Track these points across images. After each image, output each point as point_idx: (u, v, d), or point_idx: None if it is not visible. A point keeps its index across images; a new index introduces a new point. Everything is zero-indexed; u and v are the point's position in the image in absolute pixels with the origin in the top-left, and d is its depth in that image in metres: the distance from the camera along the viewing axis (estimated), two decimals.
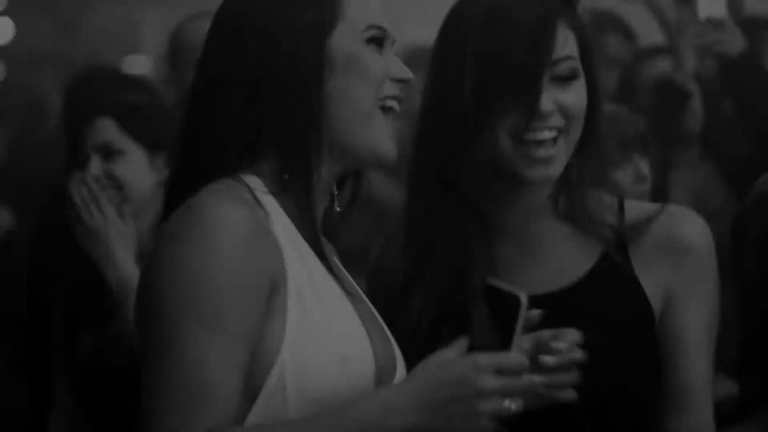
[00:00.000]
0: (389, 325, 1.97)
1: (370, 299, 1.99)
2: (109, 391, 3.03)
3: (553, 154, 2.05)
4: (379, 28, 1.91)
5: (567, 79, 2.06)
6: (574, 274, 2.10)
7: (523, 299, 1.68)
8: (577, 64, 2.06)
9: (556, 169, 2.06)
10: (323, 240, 1.94)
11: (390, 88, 1.90)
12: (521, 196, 2.11)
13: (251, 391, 1.76)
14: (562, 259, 2.10)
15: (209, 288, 1.73)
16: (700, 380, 2.06)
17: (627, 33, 5.13)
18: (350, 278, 1.99)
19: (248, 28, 1.88)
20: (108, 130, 3.19)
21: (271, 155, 1.88)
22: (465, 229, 2.10)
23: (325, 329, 1.80)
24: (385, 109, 1.90)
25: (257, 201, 1.84)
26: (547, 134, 2.04)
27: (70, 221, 3.13)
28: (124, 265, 3.03)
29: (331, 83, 1.87)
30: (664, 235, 2.09)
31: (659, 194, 3.50)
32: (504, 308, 1.70)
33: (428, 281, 2.11)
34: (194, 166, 1.89)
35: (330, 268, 1.88)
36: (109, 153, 3.17)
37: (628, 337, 2.07)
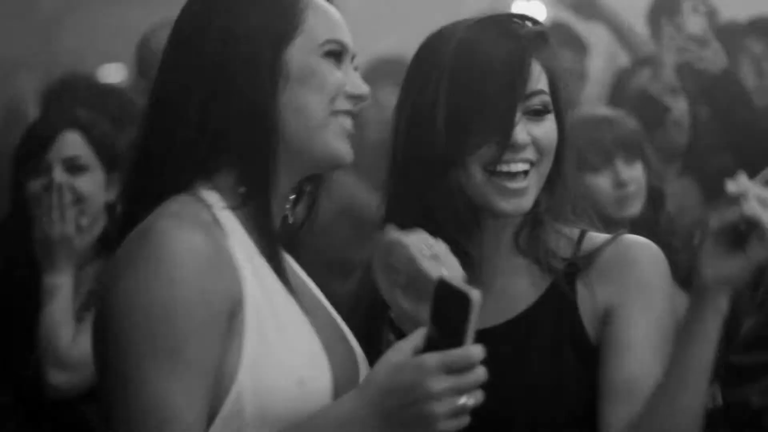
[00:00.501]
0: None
1: (348, 326, 2.00)
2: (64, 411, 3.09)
3: (525, 186, 2.08)
4: (338, 42, 1.92)
5: (538, 113, 2.08)
6: (522, 305, 2.12)
7: (474, 297, 1.67)
8: (548, 99, 2.09)
9: (528, 201, 2.09)
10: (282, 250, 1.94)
11: (343, 103, 1.91)
12: (488, 229, 2.13)
13: (209, 412, 1.76)
14: (515, 292, 2.12)
15: (167, 320, 1.73)
16: (644, 377, 2.05)
17: (579, 46, 5.16)
18: (312, 288, 1.99)
19: (206, 38, 1.89)
20: (76, 144, 3.24)
21: (228, 168, 1.88)
22: None
23: (283, 351, 1.80)
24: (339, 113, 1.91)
25: (215, 218, 1.84)
26: (520, 166, 2.07)
27: (27, 226, 3.19)
28: (62, 274, 3.14)
29: (286, 94, 1.87)
30: (609, 259, 2.11)
31: (656, 202, 3.50)
32: (455, 306, 1.69)
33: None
34: (150, 181, 1.89)
35: (288, 283, 1.88)
36: (73, 167, 3.22)
37: (564, 365, 2.08)
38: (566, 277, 2.12)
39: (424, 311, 1.81)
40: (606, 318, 2.09)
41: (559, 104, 2.13)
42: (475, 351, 1.68)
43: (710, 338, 1.94)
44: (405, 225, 2.07)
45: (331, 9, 1.95)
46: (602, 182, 3.50)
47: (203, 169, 1.87)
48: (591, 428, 2.07)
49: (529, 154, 2.08)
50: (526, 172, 2.08)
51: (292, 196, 1.96)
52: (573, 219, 2.17)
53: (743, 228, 1.90)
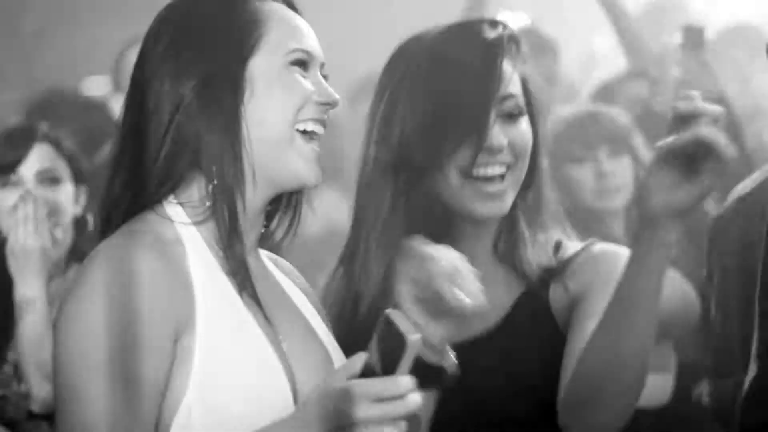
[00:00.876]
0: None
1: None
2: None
3: (503, 189, 2.07)
4: (304, 51, 1.91)
5: (513, 116, 2.08)
6: (500, 313, 2.12)
7: (412, 341, 1.65)
8: (522, 101, 2.09)
9: (506, 204, 2.08)
10: (261, 261, 1.96)
11: (312, 111, 1.89)
12: (466, 237, 2.12)
13: (161, 429, 1.78)
14: (492, 301, 2.05)
15: (104, 340, 1.75)
16: None
17: (551, 51, 5.17)
18: (290, 294, 1.98)
19: (170, 50, 1.89)
20: (49, 156, 3.23)
21: (196, 182, 1.89)
22: None
23: (233, 368, 1.80)
24: (306, 133, 1.90)
25: (177, 234, 1.86)
26: (497, 170, 2.06)
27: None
28: (37, 287, 3.12)
29: (250, 105, 1.87)
30: (581, 263, 2.10)
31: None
32: (396, 342, 1.67)
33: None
34: (122, 194, 1.90)
35: (254, 295, 1.88)
36: (46, 179, 3.21)
37: (547, 369, 2.07)
38: (540, 283, 2.11)
39: (430, 326, 1.84)
40: (572, 309, 2.07)
41: (532, 108, 2.12)
42: (403, 381, 1.66)
43: (655, 272, 1.80)
44: (378, 234, 2.08)
45: (296, 19, 1.94)
46: (584, 173, 3.56)
47: (171, 184, 1.88)
48: None
49: (505, 156, 2.08)
50: (502, 176, 2.08)
51: (268, 208, 1.95)
52: (548, 225, 2.16)
53: (694, 152, 1.73)
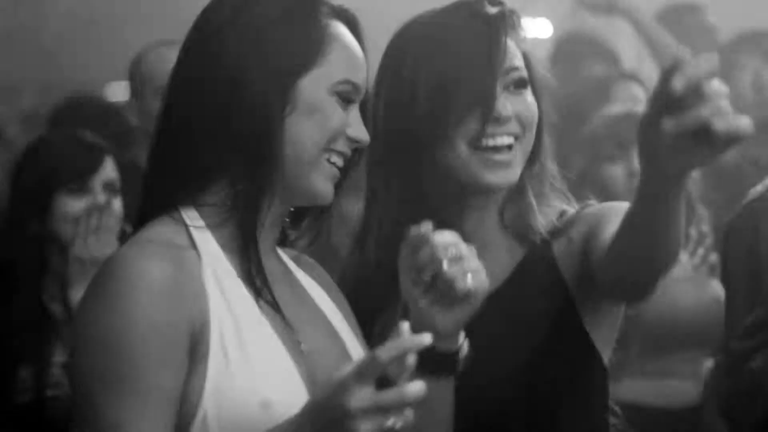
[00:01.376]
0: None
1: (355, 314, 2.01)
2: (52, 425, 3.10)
3: (511, 158, 2.09)
4: (353, 84, 1.90)
5: (518, 87, 2.10)
6: (502, 276, 2.14)
7: (410, 361, 1.64)
8: (525, 74, 2.12)
9: (515, 174, 2.10)
10: (281, 261, 1.95)
11: (341, 144, 1.90)
12: (473, 207, 2.15)
13: None
14: (495, 266, 2.09)
15: (121, 350, 1.75)
16: None
17: (609, 56, 5.16)
18: (315, 297, 1.98)
19: (223, 54, 1.87)
20: (113, 167, 3.30)
21: (219, 187, 1.88)
22: None
23: (247, 375, 1.79)
24: (330, 163, 1.90)
25: (191, 238, 1.86)
26: (505, 139, 2.09)
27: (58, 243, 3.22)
28: None
29: (289, 120, 1.86)
30: (581, 216, 2.13)
31: None
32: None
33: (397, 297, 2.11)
34: (151, 198, 1.91)
35: (272, 299, 1.87)
36: (110, 190, 3.27)
37: (551, 330, 2.10)
38: (544, 244, 2.13)
39: (440, 315, 1.84)
40: (587, 243, 2.07)
41: (535, 83, 2.15)
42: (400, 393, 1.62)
43: (673, 180, 1.68)
44: (392, 211, 2.11)
45: (357, 49, 1.92)
46: (617, 171, 3.57)
47: (195, 187, 1.88)
48: (584, 394, 2.12)
49: (513, 127, 2.09)
50: (510, 146, 2.09)
51: (288, 218, 1.96)
52: (551, 197, 2.18)
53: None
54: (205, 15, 1.92)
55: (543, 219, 2.16)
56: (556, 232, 2.14)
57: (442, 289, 1.84)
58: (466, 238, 2.12)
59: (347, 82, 1.89)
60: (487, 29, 2.09)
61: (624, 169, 3.60)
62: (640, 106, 4.12)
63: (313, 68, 1.87)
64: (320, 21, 1.90)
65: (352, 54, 1.91)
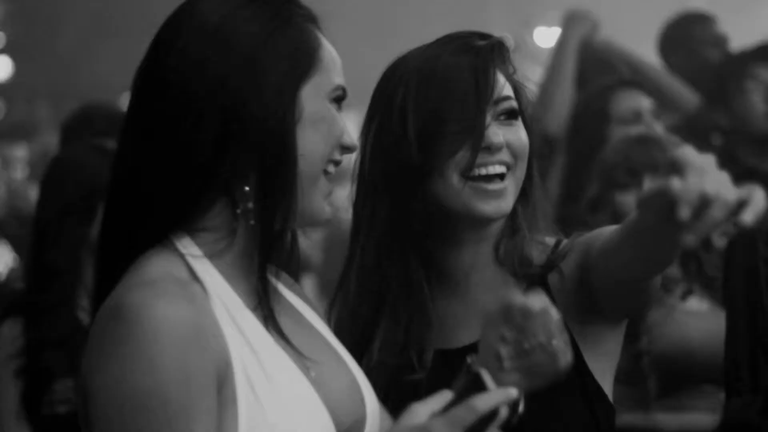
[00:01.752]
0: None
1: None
2: None
3: (503, 188, 2.10)
4: (343, 89, 1.83)
5: (509, 117, 2.12)
6: None
7: (503, 414, 1.70)
8: (516, 105, 2.13)
9: (508, 204, 2.11)
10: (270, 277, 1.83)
11: (337, 153, 1.82)
12: (467, 243, 2.14)
13: None
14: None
15: (154, 406, 1.61)
16: None
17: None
18: (309, 318, 1.92)
19: (222, 63, 1.74)
20: None
21: (216, 210, 1.75)
22: (415, 279, 2.14)
23: (278, 411, 1.70)
24: (326, 174, 1.81)
25: (191, 271, 1.73)
26: (497, 168, 2.10)
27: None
28: None
29: (297, 134, 1.76)
30: (570, 246, 2.13)
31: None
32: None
33: (384, 329, 2.14)
34: (141, 226, 1.76)
35: (279, 330, 1.78)
36: None
37: None
38: (539, 279, 2.12)
39: (518, 380, 1.78)
40: (584, 265, 2.08)
41: (525, 114, 2.16)
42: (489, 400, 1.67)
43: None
44: (372, 243, 2.11)
45: (335, 53, 1.84)
46: (629, 200, 3.53)
47: (195, 210, 1.74)
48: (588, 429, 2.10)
49: (505, 156, 2.10)
50: (502, 176, 2.10)
51: None
52: (544, 230, 2.19)
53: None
54: (184, 40, 1.76)
55: (537, 253, 2.16)
56: (550, 266, 2.13)
57: (529, 363, 1.80)
58: (462, 278, 2.16)
59: (339, 87, 1.82)
60: (475, 60, 2.10)
61: (635, 197, 3.55)
62: (649, 122, 4.13)
63: (311, 77, 1.79)
64: (309, 27, 1.81)
65: (335, 57, 1.83)
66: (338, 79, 1.82)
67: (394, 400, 1.84)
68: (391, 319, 2.14)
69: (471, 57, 2.11)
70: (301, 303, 1.92)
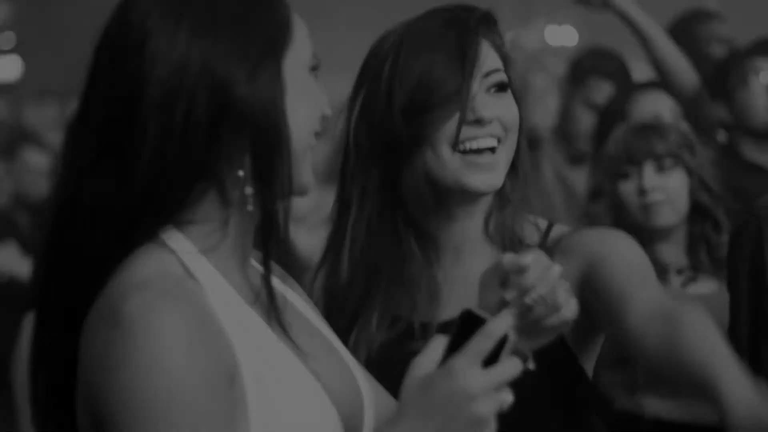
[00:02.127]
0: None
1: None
2: None
3: (494, 161, 2.10)
4: (318, 59, 1.76)
5: (498, 90, 2.12)
6: None
7: (512, 337, 1.60)
8: (505, 77, 2.13)
9: (499, 177, 2.11)
10: (258, 266, 1.77)
11: (321, 123, 1.76)
12: (457, 217, 2.15)
13: None
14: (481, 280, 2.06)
15: (172, 412, 1.54)
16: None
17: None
18: (307, 312, 1.89)
19: (200, 26, 1.67)
20: None
21: (206, 199, 1.68)
22: (410, 251, 2.15)
23: (292, 411, 1.67)
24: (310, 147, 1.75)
25: (185, 268, 1.65)
26: (488, 142, 2.10)
27: None
28: None
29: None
30: (575, 241, 2.13)
31: (701, 216, 3.50)
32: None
33: (379, 302, 2.15)
34: (131, 222, 1.66)
35: (283, 326, 1.73)
36: None
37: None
38: None
39: (524, 340, 1.80)
40: (585, 278, 2.08)
41: (513, 86, 2.15)
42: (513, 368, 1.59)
43: None
44: (363, 222, 2.12)
45: (301, 19, 1.77)
46: (628, 188, 3.51)
47: (185, 201, 1.66)
48: (568, 406, 2.12)
49: (495, 129, 2.10)
50: (493, 149, 2.10)
51: None
52: (534, 206, 2.19)
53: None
54: (150, 27, 1.68)
55: (529, 230, 2.17)
56: (545, 249, 2.12)
57: (533, 320, 1.82)
58: (451, 251, 2.16)
59: (314, 56, 1.76)
60: (460, 31, 2.10)
61: (635, 186, 3.53)
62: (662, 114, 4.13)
63: (290, 48, 1.71)
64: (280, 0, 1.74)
65: (303, 24, 1.76)
66: (312, 47, 1.76)
67: (392, 372, 1.83)
68: (386, 293, 2.15)
69: (456, 27, 2.11)
70: (291, 293, 1.88)
